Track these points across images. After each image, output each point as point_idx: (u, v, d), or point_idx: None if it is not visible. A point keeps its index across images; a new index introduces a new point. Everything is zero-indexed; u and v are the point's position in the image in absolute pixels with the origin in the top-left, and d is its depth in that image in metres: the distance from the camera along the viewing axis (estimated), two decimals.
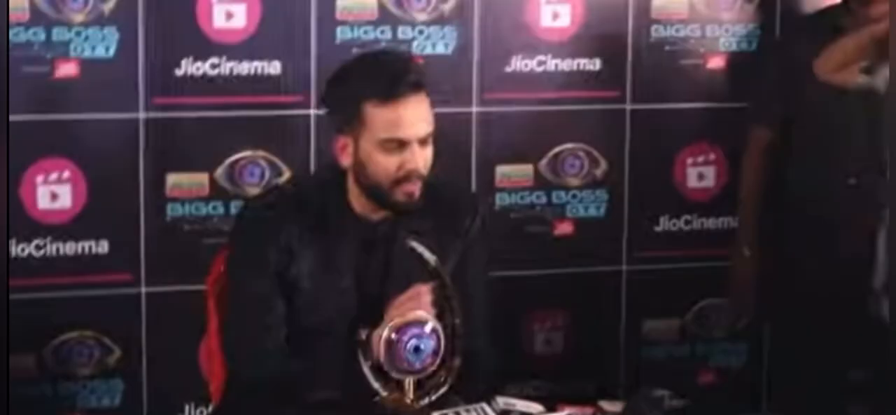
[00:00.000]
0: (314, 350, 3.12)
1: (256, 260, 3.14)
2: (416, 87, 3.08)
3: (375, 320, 2.97)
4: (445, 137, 3.89)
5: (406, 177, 3.07)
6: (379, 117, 3.05)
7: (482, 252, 3.32)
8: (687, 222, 4.85)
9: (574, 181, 4.74)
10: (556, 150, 4.71)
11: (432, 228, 3.16)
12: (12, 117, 4.08)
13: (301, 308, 3.15)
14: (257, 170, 4.46)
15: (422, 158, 3.08)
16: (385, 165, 3.07)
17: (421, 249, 2.98)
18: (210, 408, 3.56)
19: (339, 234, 3.15)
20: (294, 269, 3.13)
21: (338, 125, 3.15)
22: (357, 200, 3.17)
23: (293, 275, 3.14)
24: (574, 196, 4.75)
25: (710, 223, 4.87)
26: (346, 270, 3.16)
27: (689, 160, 4.85)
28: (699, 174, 4.86)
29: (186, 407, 4.50)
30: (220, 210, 4.42)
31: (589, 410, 2.78)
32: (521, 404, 2.82)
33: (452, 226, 3.25)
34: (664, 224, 4.84)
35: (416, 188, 3.08)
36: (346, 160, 3.14)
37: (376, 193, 3.11)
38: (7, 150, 2.08)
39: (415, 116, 3.07)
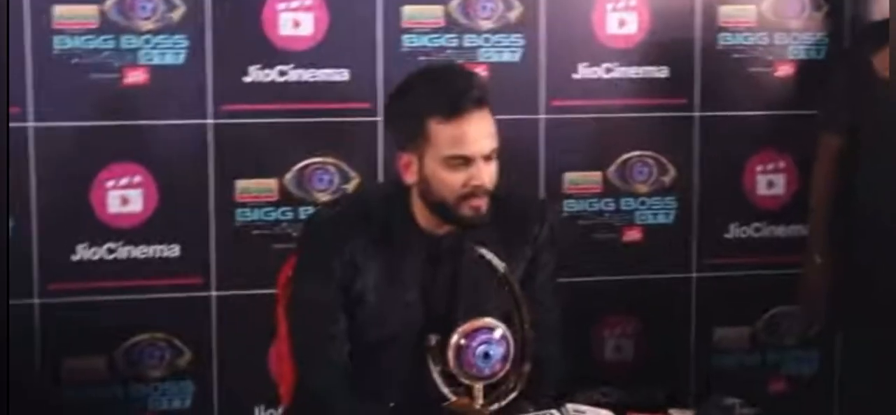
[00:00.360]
0: (379, 362, 3.13)
1: (321, 269, 3.15)
2: (480, 102, 3.06)
3: (443, 334, 2.96)
4: (513, 144, 3.92)
5: (472, 193, 3.06)
6: (443, 134, 3.05)
7: (550, 259, 3.31)
8: (757, 230, 4.82)
9: (643, 188, 4.73)
10: (625, 157, 4.70)
11: (500, 238, 3.15)
12: (83, 123, 4.16)
13: (366, 322, 3.16)
14: (326, 176, 4.48)
15: (487, 174, 3.07)
16: (450, 181, 3.06)
17: (490, 256, 2.97)
18: (280, 411, 3.58)
19: (404, 247, 3.15)
20: (359, 282, 3.14)
21: (401, 143, 3.15)
22: (422, 215, 3.17)
23: (358, 289, 3.14)
24: (643, 203, 4.73)
25: (781, 231, 4.83)
26: (411, 284, 3.16)
27: (759, 168, 4.82)
28: (769, 182, 4.83)
29: (256, 410, 4.52)
30: (289, 215, 4.45)
31: None
32: (590, 411, 2.81)
33: (520, 234, 3.24)
34: (734, 231, 4.81)
35: (482, 203, 3.08)
36: (410, 178, 3.13)
37: (442, 209, 3.11)
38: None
39: (479, 133, 3.06)
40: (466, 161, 3.05)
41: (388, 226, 3.16)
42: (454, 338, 2.88)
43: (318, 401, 3.14)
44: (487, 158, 3.07)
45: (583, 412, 2.79)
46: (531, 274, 3.22)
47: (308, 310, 3.17)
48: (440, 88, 3.08)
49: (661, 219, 4.74)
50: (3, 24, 2.76)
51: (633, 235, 4.73)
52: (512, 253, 3.11)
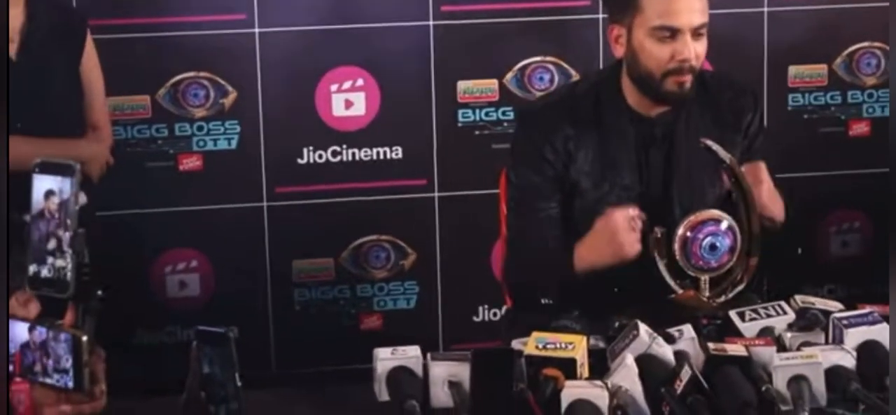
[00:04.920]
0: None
1: (533, 155, 3.15)
2: None
3: (660, 219, 2.95)
4: (737, 36, 3.86)
5: (678, 69, 3.02)
6: (653, 4, 3.02)
7: (762, 147, 3.25)
8: None
9: (870, 80, 4.61)
10: (851, 48, 4.58)
11: (713, 124, 3.11)
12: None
13: (584, 209, 3.13)
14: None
15: (693, 50, 3.02)
16: (657, 54, 3.02)
17: (716, 147, 2.93)
18: (503, 310, 3.60)
19: (616, 131, 3.12)
20: (573, 170, 3.12)
21: (612, 13, 3.13)
22: (631, 95, 3.13)
23: (573, 177, 3.13)
24: (870, 96, 4.61)
25: None
26: (625, 167, 3.12)
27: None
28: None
29: (480, 309, 4.57)
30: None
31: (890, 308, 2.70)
32: (819, 302, 2.76)
33: (734, 121, 3.17)
34: None
35: (687, 80, 3.03)
36: (619, 51, 3.11)
37: (648, 84, 3.07)
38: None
39: (689, 5, 3.01)
40: (674, 33, 3.01)
41: (599, 109, 3.14)
42: (680, 230, 2.86)
43: (530, 283, 3.15)
44: (696, 32, 3.02)
45: (812, 303, 2.74)
46: (743, 161, 3.16)
47: (521, 195, 3.18)
48: None
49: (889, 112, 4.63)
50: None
51: (860, 128, 4.63)
52: (725, 141, 3.05)
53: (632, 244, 2.90)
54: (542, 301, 3.08)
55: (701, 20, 3.03)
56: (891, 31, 3.11)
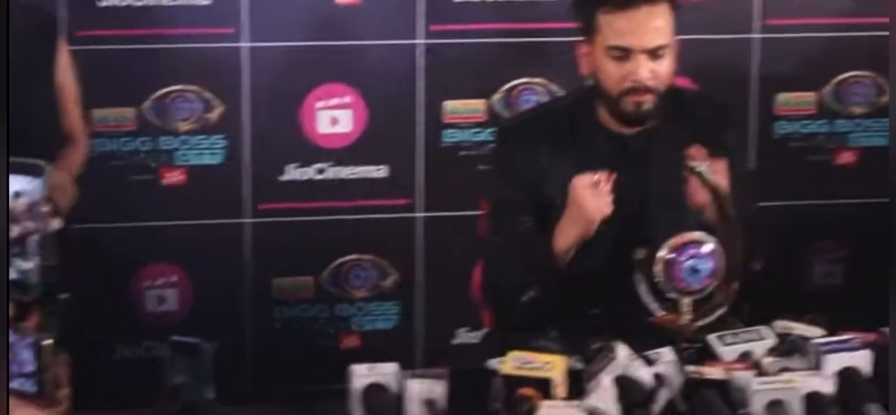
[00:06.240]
0: (575, 268, 3.10)
1: (511, 171, 3.17)
2: None
3: (633, 238, 2.96)
4: (724, 61, 3.85)
5: (633, 89, 3.03)
6: (609, 24, 3.04)
7: (743, 167, 3.24)
8: None
9: (858, 109, 4.59)
10: (840, 77, 4.57)
11: (689, 142, 3.08)
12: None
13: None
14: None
15: (648, 70, 3.03)
16: (613, 73, 3.06)
17: (701, 167, 2.92)
18: (483, 332, 3.59)
19: (590, 149, 3.13)
20: (549, 187, 3.12)
21: (581, 32, 3.15)
22: (605, 115, 3.15)
23: (548, 193, 3.13)
24: (858, 125, 4.60)
25: None
26: None
27: None
28: None
29: (460, 332, 4.54)
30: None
31: (872, 335, 2.69)
32: (800, 328, 2.74)
33: (712, 140, 3.17)
34: None
35: (644, 99, 3.05)
36: (586, 68, 3.14)
37: (609, 102, 3.10)
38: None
39: (645, 26, 3.03)
40: (627, 53, 3.02)
41: (574, 127, 3.15)
42: (662, 251, 2.85)
43: (508, 300, 3.14)
44: (652, 53, 3.03)
45: (792, 329, 2.73)
46: None
47: (499, 209, 3.19)
48: None
49: (877, 141, 4.60)
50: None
51: (846, 157, 4.61)
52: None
53: (600, 208, 2.94)
54: (524, 299, 3.08)
55: (659, 41, 3.03)
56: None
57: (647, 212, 3.11)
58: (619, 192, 3.07)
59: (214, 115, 4.34)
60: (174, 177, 4.36)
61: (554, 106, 3.33)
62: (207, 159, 4.36)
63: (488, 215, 3.26)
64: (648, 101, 3.05)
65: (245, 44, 4.29)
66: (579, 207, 2.96)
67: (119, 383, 4.20)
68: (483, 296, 3.37)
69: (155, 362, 4.25)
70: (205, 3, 4.26)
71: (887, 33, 4.50)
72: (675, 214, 3.05)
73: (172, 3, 4.25)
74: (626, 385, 2.45)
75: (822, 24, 4.52)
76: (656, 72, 3.04)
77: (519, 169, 3.15)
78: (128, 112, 4.30)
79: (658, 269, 2.85)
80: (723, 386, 2.46)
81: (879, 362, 2.54)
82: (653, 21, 3.04)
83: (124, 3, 4.20)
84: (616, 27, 3.03)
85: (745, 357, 2.65)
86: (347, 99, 4.40)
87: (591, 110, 3.16)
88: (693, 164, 2.94)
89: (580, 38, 3.14)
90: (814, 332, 2.72)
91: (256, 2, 4.28)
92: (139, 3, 4.24)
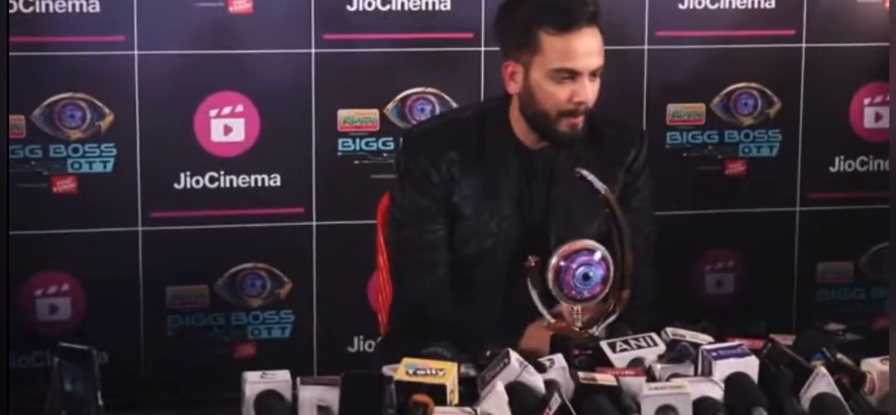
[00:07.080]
0: (476, 276, 3.13)
1: (420, 179, 3.17)
2: (593, 18, 3.07)
3: (537, 250, 2.95)
4: (616, 74, 3.86)
5: (574, 110, 3.06)
6: (553, 46, 3.05)
7: (645, 184, 3.29)
8: (863, 163, 4.74)
9: (747, 120, 4.66)
10: (729, 88, 4.64)
11: (595, 159, 3.14)
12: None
13: (463, 236, 3.18)
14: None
15: (591, 91, 3.07)
16: (556, 95, 3.06)
17: (591, 177, 2.95)
18: (378, 340, 3.59)
19: (499, 161, 3.16)
20: (456, 195, 3.15)
21: (509, 51, 3.14)
22: (519, 128, 3.17)
23: (455, 202, 3.16)
24: (747, 136, 4.67)
25: (887, 165, 4.75)
26: (507, 198, 3.16)
27: (866, 100, 4.73)
28: (875, 114, 4.74)
29: (355, 339, 4.54)
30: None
31: (760, 342, 2.73)
32: (690, 335, 2.78)
33: (617, 157, 3.23)
34: (839, 165, 4.73)
35: (580, 121, 3.08)
36: (513, 87, 3.14)
37: (541, 122, 3.11)
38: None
39: (589, 48, 3.06)
40: (573, 75, 3.04)
41: (484, 139, 3.16)
42: (553, 259, 2.86)
43: (415, 310, 3.15)
44: (593, 74, 3.07)
45: (682, 336, 2.76)
46: (626, 197, 3.20)
47: (407, 219, 3.19)
48: (555, 1, 3.07)
49: (766, 152, 4.68)
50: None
51: (736, 168, 4.68)
52: (608, 176, 3.08)
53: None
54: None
55: (599, 63, 3.08)
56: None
57: (549, 224, 3.14)
58: (523, 202, 3.10)
59: (105, 123, 4.30)
60: (65, 185, 4.31)
61: (464, 114, 3.31)
62: (98, 168, 4.32)
63: (395, 224, 3.25)
64: (581, 122, 3.09)
65: (136, 52, 4.26)
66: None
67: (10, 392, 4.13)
68: (391, 303, 3.37)
69: (47, 371, 4.23)
70: (95, 10, 4.22)
71: (775, 45, 4.59)
72: (575, 227, 3.10)
73: (62, 11, 4.21)
74: (518, 391, 2.46)
75: (710, 37, 4.58)
76: (595, 91, 3.09)
77: (429, 176, 3.16)
78: (17, 120, 4.25)
79: (550, 276, 2.86)
80: (614, 392, 2.48)
81: (764, 369, 2.57)
82: (595, 43, 3.07)
83: (13, 10, 4.15)
84: (562, 49, 3.04)
85: (635, 363, 2.67)
86: (240, 107, 4.38)
87: (504, 120, 3.18)
88: (583, 172, 2.96)
89: (510, 56, 3.13)
90: (703, 338, 2.76)
91: (147, 9, 4.25)
92: (27, 10, 4.19)
